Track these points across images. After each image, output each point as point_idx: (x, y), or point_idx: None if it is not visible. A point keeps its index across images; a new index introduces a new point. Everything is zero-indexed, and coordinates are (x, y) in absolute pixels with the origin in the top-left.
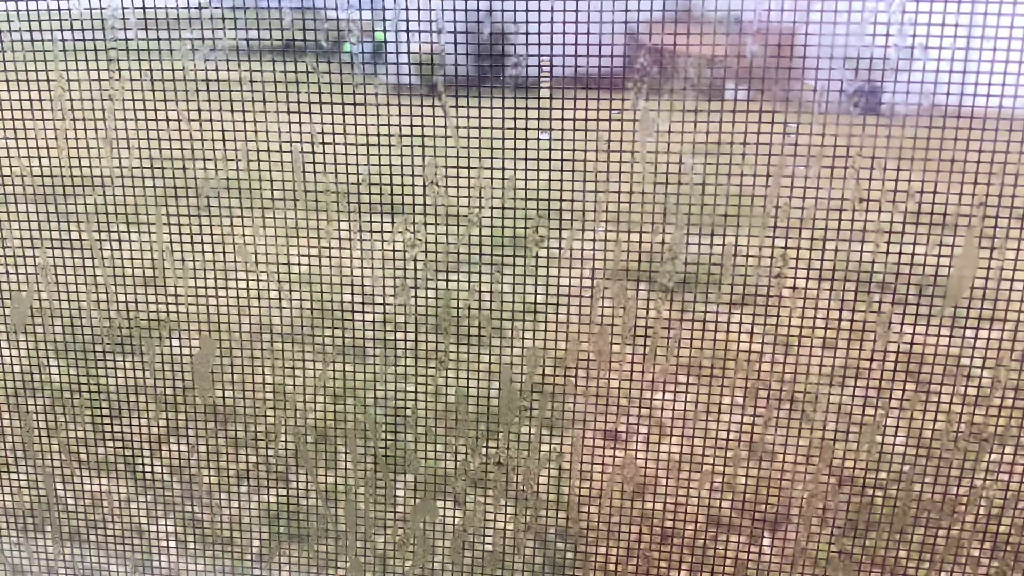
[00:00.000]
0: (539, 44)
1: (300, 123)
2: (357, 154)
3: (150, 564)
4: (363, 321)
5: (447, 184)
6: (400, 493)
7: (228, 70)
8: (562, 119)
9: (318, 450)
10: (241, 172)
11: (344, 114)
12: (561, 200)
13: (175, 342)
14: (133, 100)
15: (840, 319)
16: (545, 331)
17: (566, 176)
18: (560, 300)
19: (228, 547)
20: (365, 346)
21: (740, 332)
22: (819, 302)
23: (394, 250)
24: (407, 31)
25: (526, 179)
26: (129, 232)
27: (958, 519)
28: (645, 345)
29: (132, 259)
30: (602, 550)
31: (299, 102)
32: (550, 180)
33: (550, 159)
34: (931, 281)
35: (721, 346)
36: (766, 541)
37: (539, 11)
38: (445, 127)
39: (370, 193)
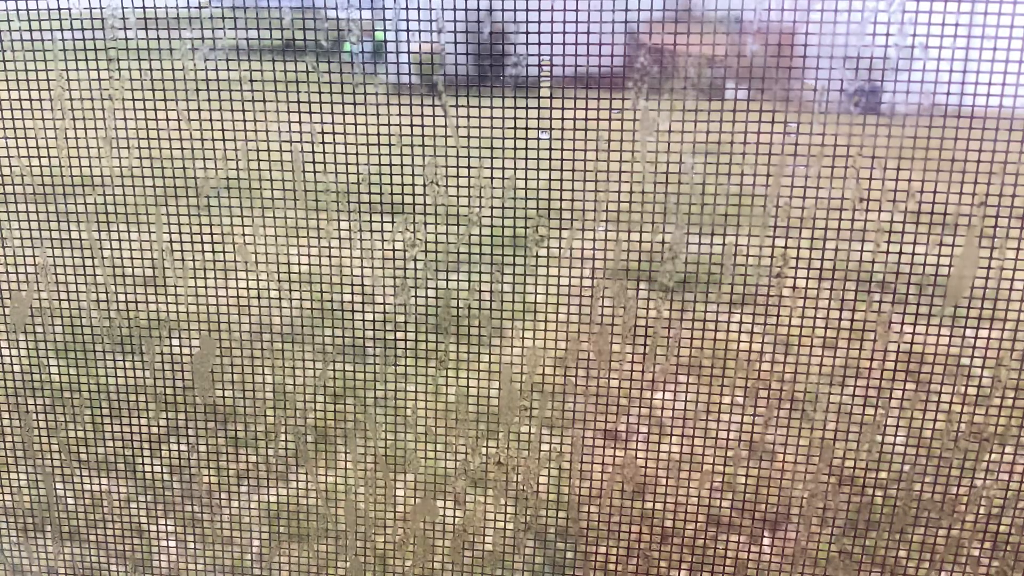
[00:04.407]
0: (539, 44)
1: (300, 123)
2: (357, 154)
3: (150, 564)
4: (363, 321)
5: (447, 184)
6: (400, 493)
7: (228, 70)
8: (562, 119)
9: (318, 450)
10: (241, 172)
11: (344, 114)
12: (561, 200)
13: (175, 342)
14: (133, 100)
15: (840, 319)
16: (545, 331)
17: (566, 176)
18: (560, 300)
19: (228, 547)
20: (365, 346)
21: (740, 332)
22: (819, 302)
23: (394, 250)
24: (407, 31)
25: (526, 179)
26: (129, 232)
27: (958, 519)
28: (645, 345)
29: (132, 259)
30: (602, 550)
31: (299, 102)
32: (550, 180)
33: (550, 159)
34: (931, 281)
35: (721, 346)
36: (766, 541)
37: (539, 11)
38: (445, 127)
39: (370, 193)
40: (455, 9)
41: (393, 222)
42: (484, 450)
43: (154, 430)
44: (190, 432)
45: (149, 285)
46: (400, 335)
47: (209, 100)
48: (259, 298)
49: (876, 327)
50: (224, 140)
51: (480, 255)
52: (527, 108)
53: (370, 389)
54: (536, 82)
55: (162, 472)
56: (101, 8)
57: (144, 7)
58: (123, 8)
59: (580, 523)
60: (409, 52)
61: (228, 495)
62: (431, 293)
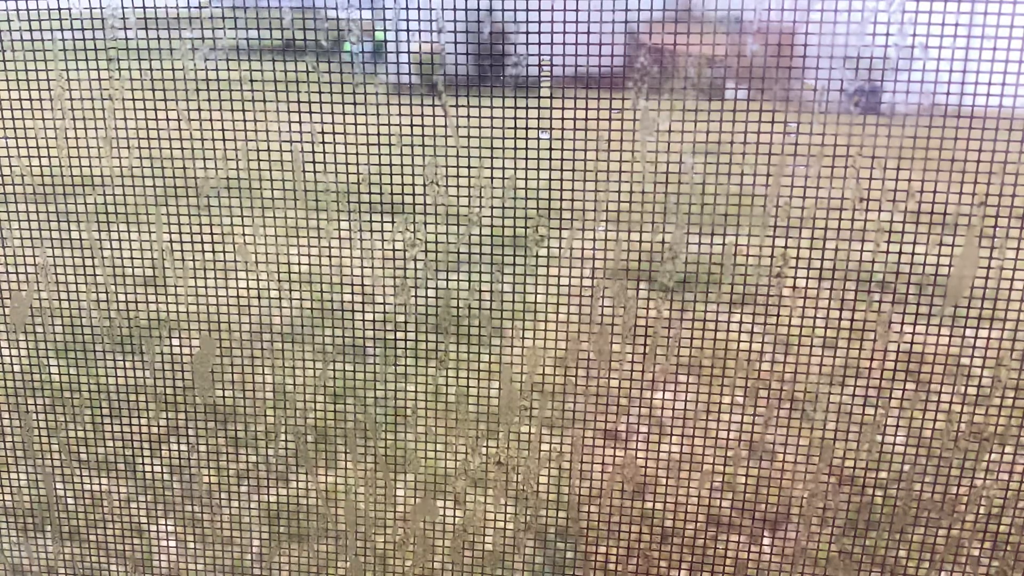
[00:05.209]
0: (539, 44)
1: (300, 123)
2: (357, 154)
3: (150, 564)
4: (363, 321)
5: (447, 184)
6: (400, 493)
7: (228, 70)
8: (562, 119)
9: (318, 450)
10: (241, 172)
11: (344, 114)
12: (561, 200)
13: (175, 342)
14: (133, 100)
15: (840, 319)
16: (545, 331)
17: (566, 176)
18: (560, 300)
19: (228, 547)
20: (365, 346)
21: (740, 332)
22: (819, 302)
23: (394, 250)
24: (407, 31)
25: (526, 179)
26: (129, 232)
27: (958, 519)
28: (645, 345)
29: (132, 259)
30: (602, 550)
31: (299, 102)
32: (550, 180)
33: (550, 159)
34: (931, 281)
35: (721, 346)
36: (766, 541)
37: (539, 11)
38: (445, 127)
39: (370, 193)
40: (455, 9)
41: (393, 222)
42: (484, 450)
43: (154, 430)
44: (190, 432)
45: (149, 285)
46: (400, 335)
47: (209, 100)
48: (259, 298)
49: (876, 327)
50: (224, 140)
51: (480, 255)
52: (527, 108)
53: (370, 389)
54: (536, 82)
55: (162, 472)
56: (101, 8)
57: (144, 7)
58: (123, 8)
59: (580, 523)
60: (409, 52)
61: (228, 495)
62: (431, 293)
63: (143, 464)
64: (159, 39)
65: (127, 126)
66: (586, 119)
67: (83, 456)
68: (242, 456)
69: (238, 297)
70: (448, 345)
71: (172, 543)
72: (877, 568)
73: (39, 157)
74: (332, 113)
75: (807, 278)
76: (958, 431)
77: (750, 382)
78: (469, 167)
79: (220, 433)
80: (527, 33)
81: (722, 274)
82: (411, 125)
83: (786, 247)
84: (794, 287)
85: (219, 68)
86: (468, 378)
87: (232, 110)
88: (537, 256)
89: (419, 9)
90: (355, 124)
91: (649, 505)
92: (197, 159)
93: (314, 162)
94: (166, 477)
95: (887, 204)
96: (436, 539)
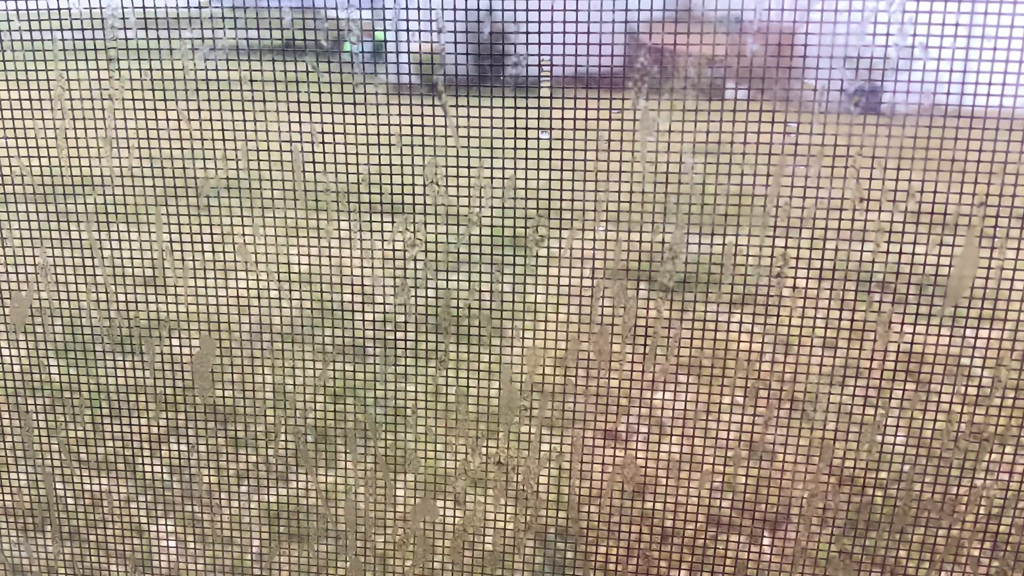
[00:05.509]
0: (539, 44)
1: (300, 123)
2: (357, 154)
3: (150, 564)
4: (363, 321)
5: (447, 184)
6: (400, 493)
7: (228, 70)
8: (562, 119)
9: (318, 450)
10: (241, 172)
11: (344, 114)
12: (561, 200)
13: (175, 342)
14: (133, 100)
15: (840, 319)
16: (545, 331)
17: (566, 176)
18: (560, 300)
19: (228, 547)
20: (365, 346)
21: (740, 332)
22: (819, 302)
23: (394, 250)
24: (407, 31)
25: (526, 179)
26: (129, 232)
27: (958, 519)
28: (645, 345)
29: (132, 259)
30: (602, 550)
31: (299, 102)
32: (550, 180)
33: (550, 159)
34: (931, 281)
35: (721, 346)
36: (766, 541)
37: (539, 11)
38: (445, 127)
39: (370, 193)
40: (455, 9)
41: (393, 222)
42: (484, 450)
43: (154, 430)
44: (190, 432)
45: (149, 285)
46: (400, 335)
47: (209, 100)
48: (259, 298)
49: (876, 327)
50: (224, 140)
51: (480, 255)
52: (527, 108)
53: (370, 389)
54: (536, 82)
55: (162, 472)
56: (101, 8)
57: (144, 7)
58: (123, 8)
59: (580, 523)
60: (409, 52)
61: (228, 495)
62: (431, 293)
63: (143, 464)
64: (159, 39)
65: (127, 126)
66: (586, 119)
67: (83, 456)
68: (242, 456)
69: (238, 297)
70: (448, 345)
71: (172, 543)
72: (877, 568)
73: (39, 157)
74: (332, 113)
75: (807, 278)
76: (958, 431)
77: (750, 382)
78: (469, 167)
79: (220, 433)
80: (527, 33)
81: (722, 274)
82: (411, 125)
83: (786, 247)
84: (794, 287)
85: (219, 68)
86: (468, 378)
87: (232, 110)
88: (537, 256)
89: (419, 9)
90: (355, 124)
91: (649, 505)
92: (197, 159)
93: (314, 162)
94: (166, 477)
95: (887, 204)
96: (436, 539)
